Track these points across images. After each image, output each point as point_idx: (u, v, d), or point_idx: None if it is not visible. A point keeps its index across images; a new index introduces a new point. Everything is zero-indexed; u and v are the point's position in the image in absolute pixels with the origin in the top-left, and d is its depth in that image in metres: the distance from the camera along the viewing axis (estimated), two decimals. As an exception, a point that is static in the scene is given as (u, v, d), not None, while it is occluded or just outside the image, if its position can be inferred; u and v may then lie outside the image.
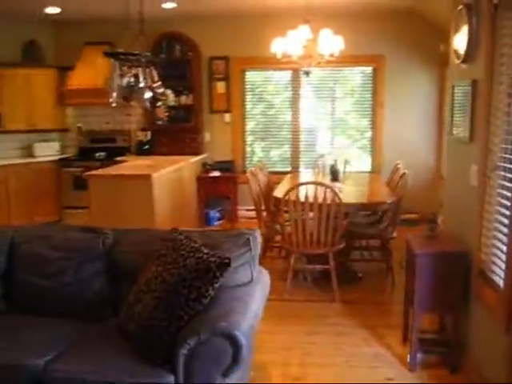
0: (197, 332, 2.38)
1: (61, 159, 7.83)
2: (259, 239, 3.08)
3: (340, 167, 5.94)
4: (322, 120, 8.06)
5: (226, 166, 7.80)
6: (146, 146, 7.92)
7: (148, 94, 5.86)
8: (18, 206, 7.34)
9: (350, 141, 8.09)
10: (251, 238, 2.99)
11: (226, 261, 2.57)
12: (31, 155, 7.85)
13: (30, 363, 2.54)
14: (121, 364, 2.49)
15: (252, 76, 8.01)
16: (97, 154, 7.82)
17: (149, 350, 2.50)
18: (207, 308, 2.55)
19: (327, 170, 5.96)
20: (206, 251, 2.71)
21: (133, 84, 5.79)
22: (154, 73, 6.09)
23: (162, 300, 2.57)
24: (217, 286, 2.57)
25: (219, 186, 7.74)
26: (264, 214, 5.58)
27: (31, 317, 3.05)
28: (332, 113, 8.05)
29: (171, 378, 2.38)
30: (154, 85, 6.00)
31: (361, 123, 7.98)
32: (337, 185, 5.41)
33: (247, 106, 8.07)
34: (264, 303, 3.02)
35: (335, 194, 4.48)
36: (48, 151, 7.94)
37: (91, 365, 2.49)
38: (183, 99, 7.70)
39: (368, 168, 7.83)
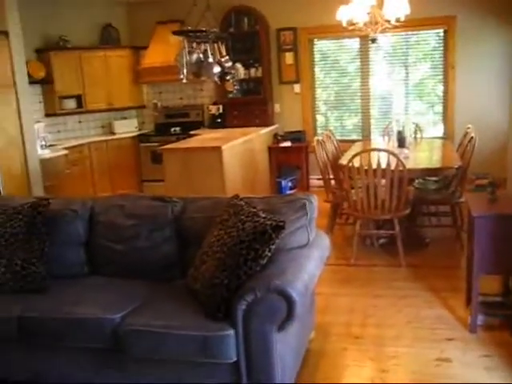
0: (253, 289, 2.57)
1: (139, 135, 8.25)
2: (316, 204, 3.21)
3: (408, 133, 5.92)
4: (395, 86, 7.96)
5: (297, 136, 7.92)
6: (219, 120, 8.17)
7: (217, 69, 6.06)
8: (101, 180, 7.82)
9: (427, 107, 7.95)
10: (307, 203, 3.13)
11: (281, 223, 2.73)
12: (112, 132, 8.33)
13: (109, 317, 2.84)
14: (187, 319, 2.72)
15: (321, 45, 8.02)
16: (172, 129, 8.17)
17: (211, 307, 2.71)
18: (264, 268, 2.73)
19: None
20: (263, 215, 2.88)
21: (202, 60, 6.01)
22: (222, 47, 6.28)
23: (223, 261, 2.77)
24: (273, 247, 2.73)
25: (290, 155, 7.89)
26: (332, 182, 5.68)
27: (109, 278, 3.39)
28: (406, 79, 7.94)
29: (231, 331, 2.59)
30: (223, 59, 6.20)
31: (436, 88, 7.81)
32: (404, 151, 5.42)
33: (317, 76, 8.11)
34: (322, 265, 3.17)
35: (398, 160, 4.51)
36: (127, 128, 8.38)
37: (160, 320, 2.74)
38: (253, 72, 7.87)
39: (441, 134, 7.70)
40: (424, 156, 5.69)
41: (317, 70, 8.11)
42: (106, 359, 2.90)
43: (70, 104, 7.80)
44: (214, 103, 8.24)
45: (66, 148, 7.11)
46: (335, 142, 6.32)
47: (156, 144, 7.54)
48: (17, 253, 3.33)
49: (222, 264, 2.76)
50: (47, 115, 7.66)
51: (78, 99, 7.86)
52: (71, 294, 3.16)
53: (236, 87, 7.84)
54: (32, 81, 6.75)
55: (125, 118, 8.51)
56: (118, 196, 3.78)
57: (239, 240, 2.75)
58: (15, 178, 5.71)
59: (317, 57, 8.07)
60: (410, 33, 7.53)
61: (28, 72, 6.24)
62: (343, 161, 5.18)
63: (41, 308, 3.02)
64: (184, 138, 7.28)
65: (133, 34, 8.40)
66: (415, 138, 6.49)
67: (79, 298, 3.08)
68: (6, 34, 5.53)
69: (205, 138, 6.93)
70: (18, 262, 3.30)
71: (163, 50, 7.60)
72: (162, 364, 2.77)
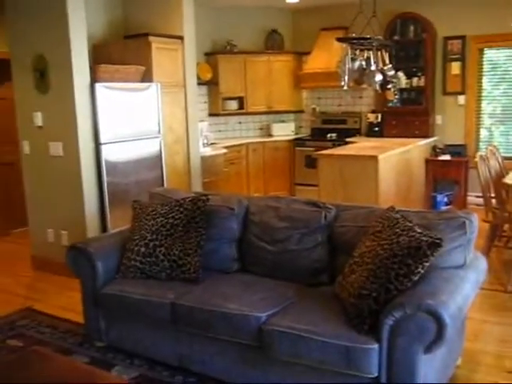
0: (403, 306, 2.50)
1: (295, 139, 8.39)
2: (476, 223, 3.04)
3: None
4: None
5: (457, 150, 7.54)
6: (376, 128, 8.04)
7: (378, 77, 5.99)
8: (255, 180, 8.09)
9: None
10: (467, 222, 2.97)
11: (438, 241, 2.62)
12: (269, 134, 8.58)
13: (256, 315, 2.92)
14: (330, 326, 2.71)
15: (491, 55, 7.56)
16: (328, 135, 8.20)
17: (357, 318, 2.68)
18: (415, 285, 2.64)
19: None
20: (419, 230, 2.79)
21: (364, 67, 5.97)
22: (386, 55, 6.19)
23: (374, 272, 2.72)
24: (427, 264, 2.63)
25: (449, 170, 7.54)
26: (493, 201, 5.34)
27: (258, 277, 3.50)
28: None
29: (375, 346, 2.54)
30: (385, 67, 6.11)
31: None
32: None
33: (484, 87, 7.67)
34: (477, 289, 2.99)
35: None
36: (284, 131, 8.57)
37: (303, 324, 2.76)
38: (415, 81, 7.63)
39: None
40: None
41: (484, 81, 7.65)
42: (248, 355, 3.00)
43: (232, 105, 8.16)
44: (373, 111, 8.13)
45: (225, 147, 7.45)
46: (499, 159, 5.93)
47: (311, 149, 7.62)
48: (175, 243, 3.55)
49: (372, 276, 2.71)
50: (211, 115, 8.09)
51: (240, 101, 8.21)
52: (221, 288, 3.31)
53: (396, 96, 7.67)
54: (199, 82, 7.17)
55: (283, 122, 8.72)
56: (273, 197, 3.86)
57: (392, 253, 2.69)
58: (178, 172, 6.09)
59: (486, 67, 7.61)
60: None
61: (197, 73, 6.62)
62: (508, 180, 4.85)
63: (192, 298, 3.20)
64: (340, 145, 7.29)
65: (296, 39, 8.59)
66: None
67: (228, 293, 3.21)
68: (181, 38, 5.93)
69: (361, 146, 6.86)
70: (175, 251, 3.52)
71: (325, 56, 7.66)
72: (300, 368, 2.80)
